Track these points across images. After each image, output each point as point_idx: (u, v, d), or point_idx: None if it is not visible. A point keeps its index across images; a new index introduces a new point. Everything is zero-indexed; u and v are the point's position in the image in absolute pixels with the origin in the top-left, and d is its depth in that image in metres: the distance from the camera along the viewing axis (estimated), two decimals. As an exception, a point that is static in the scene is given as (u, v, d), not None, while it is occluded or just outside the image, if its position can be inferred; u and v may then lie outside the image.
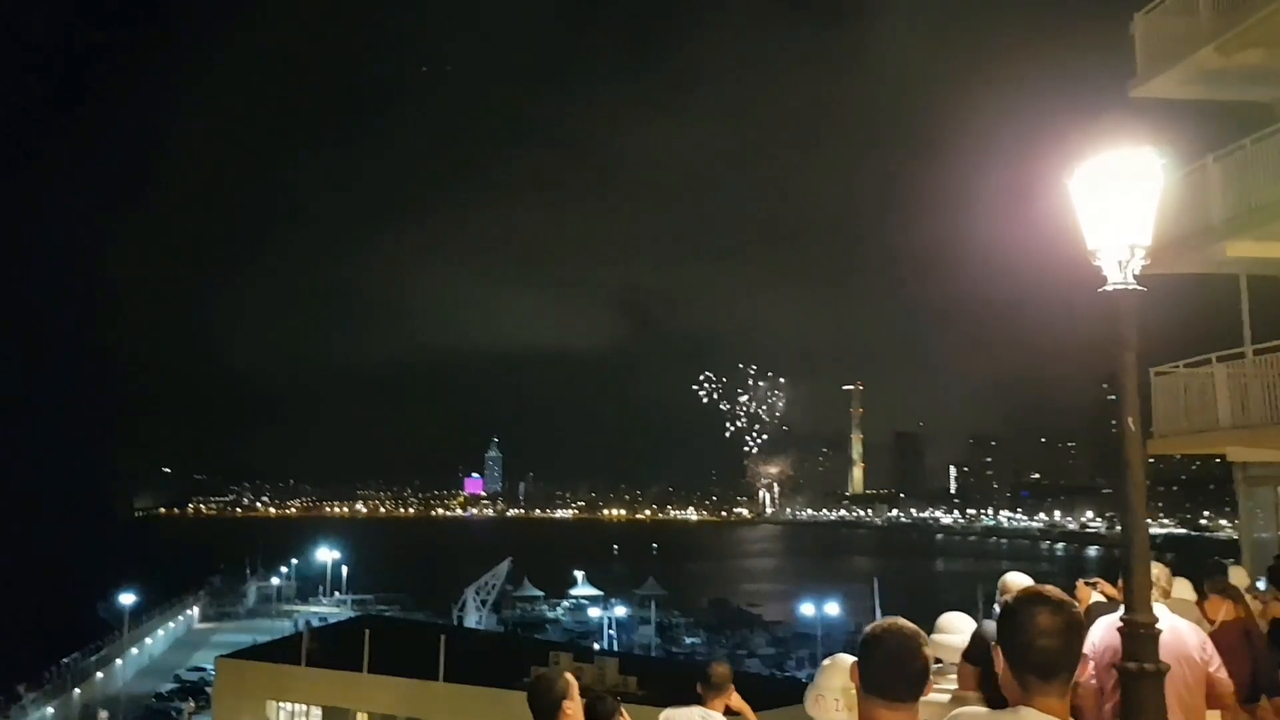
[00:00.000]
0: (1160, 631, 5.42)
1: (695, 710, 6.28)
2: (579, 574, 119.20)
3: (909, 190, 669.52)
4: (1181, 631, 5.97)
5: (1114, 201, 5.67)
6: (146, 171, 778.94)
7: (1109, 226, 5.70)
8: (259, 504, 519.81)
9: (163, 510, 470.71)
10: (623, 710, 5.86)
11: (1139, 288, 5.69)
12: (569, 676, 5.29)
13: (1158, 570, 6.68)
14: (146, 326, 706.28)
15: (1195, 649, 5.97)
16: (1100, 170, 5.73)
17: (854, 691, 4.06)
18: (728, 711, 6.36)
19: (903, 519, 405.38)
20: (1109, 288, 5.70)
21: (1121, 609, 5.66)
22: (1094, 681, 5.76)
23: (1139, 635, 5.36)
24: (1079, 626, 2.94)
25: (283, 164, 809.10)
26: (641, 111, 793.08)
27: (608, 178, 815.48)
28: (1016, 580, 6.28)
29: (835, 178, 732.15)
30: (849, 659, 4.40)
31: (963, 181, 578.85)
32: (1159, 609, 5.73)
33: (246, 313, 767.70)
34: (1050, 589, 3.05)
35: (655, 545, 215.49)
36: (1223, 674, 6.03)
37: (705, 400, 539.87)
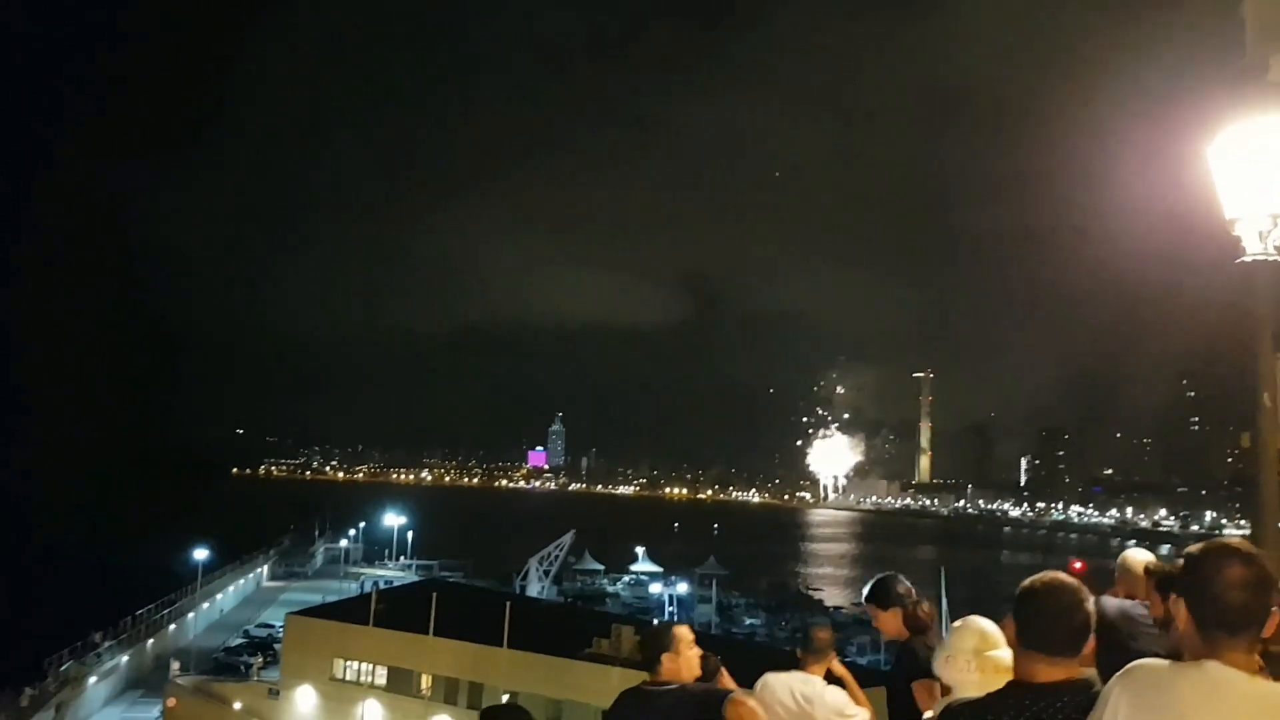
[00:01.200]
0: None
1: (795, 675, 6.19)
2: (640, 550, 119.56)
3: (988, 175, 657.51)
4: None
5: (1257, 168, 5.44)
6: (222, 140, 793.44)
7: (1250, 195, 5.48)
8: (328, 468, 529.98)
9: (235, 470, 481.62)
10: (724, 671, 5.81)
11: (1278, 258, 5.47)
12: (679, 632, 5.25)
13: None
14: (227, 297, 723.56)
15: None
16: (1243, 136, 5.51)
17: (986, 654, 3.99)
18: (829, 677, 6.26)
19: (969, 510, 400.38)
20: (1246, 259, 5.48)
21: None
22: None
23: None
24: (1270, 581, 2.82)
25: (363, 132, 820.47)
26: (715, 91, 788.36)
27: (679, 157, 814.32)
28: (1137, 556, 6.09)
29: (912, 160, 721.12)
30: (981, 621, 4.31)
31: (1043, 167, 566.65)
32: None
33: (325, 282, 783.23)
34: (1240, 541, 2.93)
35: (716, 525, 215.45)
36: None
37: (771, 382, 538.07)
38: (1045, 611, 3.01)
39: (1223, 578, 2.79)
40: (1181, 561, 2.97)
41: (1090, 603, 3.03)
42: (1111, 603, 5.70)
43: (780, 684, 6.18)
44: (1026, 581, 3.10)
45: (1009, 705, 3.03)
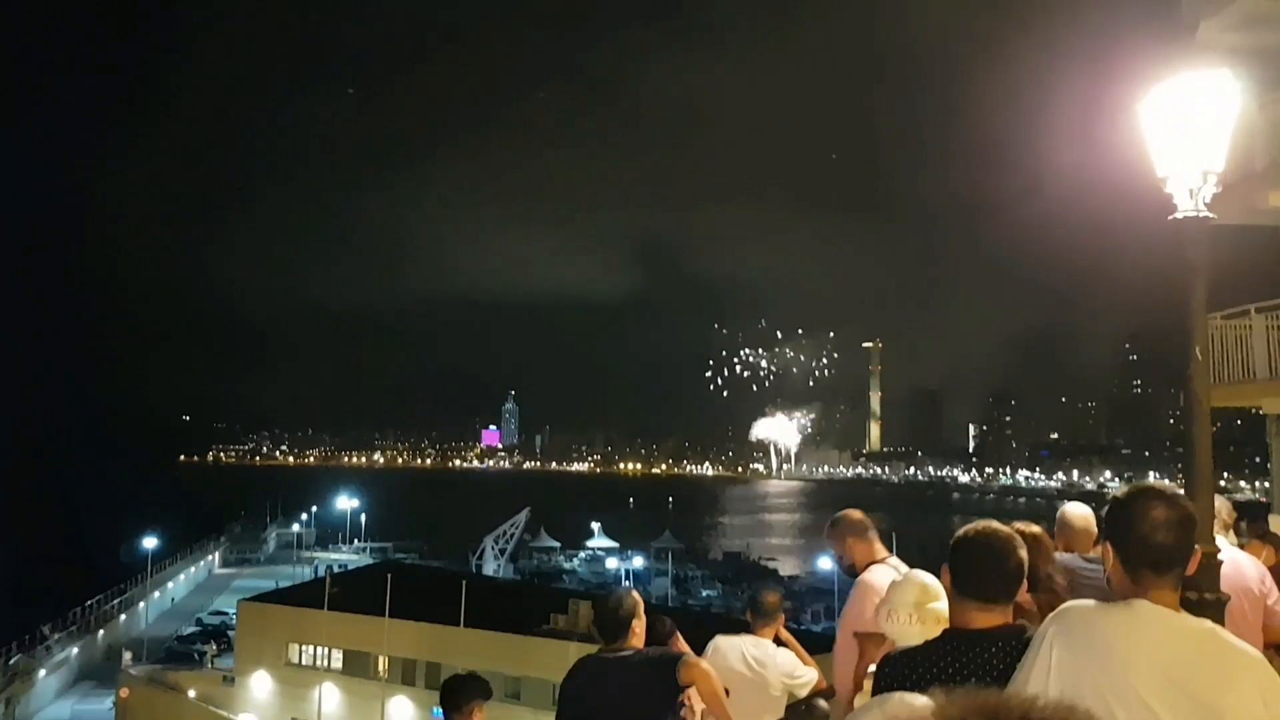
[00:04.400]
0: (1221, 562, 5.36)
1: (746, 638, 6.26)
2: (595, 525, 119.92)
3: (932, 140, 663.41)
4: (1241, 564, 5.92)
5: (1188, 125, 5.53)
6: (159, 112, 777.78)
7: (1180, 152, 5.57)
8: (278, 453, 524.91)
9: (183, 457, 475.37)
10: (678, 634, 5.85)
11: (1209, 215, 5.57)
12: (637, 595, 5.27)
13: (1220, 503, 6.59)
14: (167, 277, 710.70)
15: (1255, 581, 5.92)
16: (1172, 93, 5.59)
17: (928, 606, 4.05)
18: (777, 641, 6.33)
19: (920, 477, 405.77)
20: (1179, 215, 5.57)
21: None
22: None
23: (1201, 564, 5.29)
24: (1192, 520, 2.91)
25: (302, 107, 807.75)
26: (662, 53, 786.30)
27: (627, 121, 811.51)
28: (1076, 510, 6.21)
29: (860, 125, 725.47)
30: (922, 574, 4.38)
31: (988, 132, 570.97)
32: (1220, 541, 5.66)
33: (268, 262, 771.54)
34: (1161, 483, 3.01)
35: (671, 499, 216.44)
36: None
37: (722, 355, 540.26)
38: (978, 559, 3.06)
39: (1148, 519, 2.87)
40: (1107, 507, 3.04)
41: (1023, 550, 3.09)
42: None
43: (731, 647, 6.25)
44: (960, 530, 3.15)
45: (945, 653, 3.09)
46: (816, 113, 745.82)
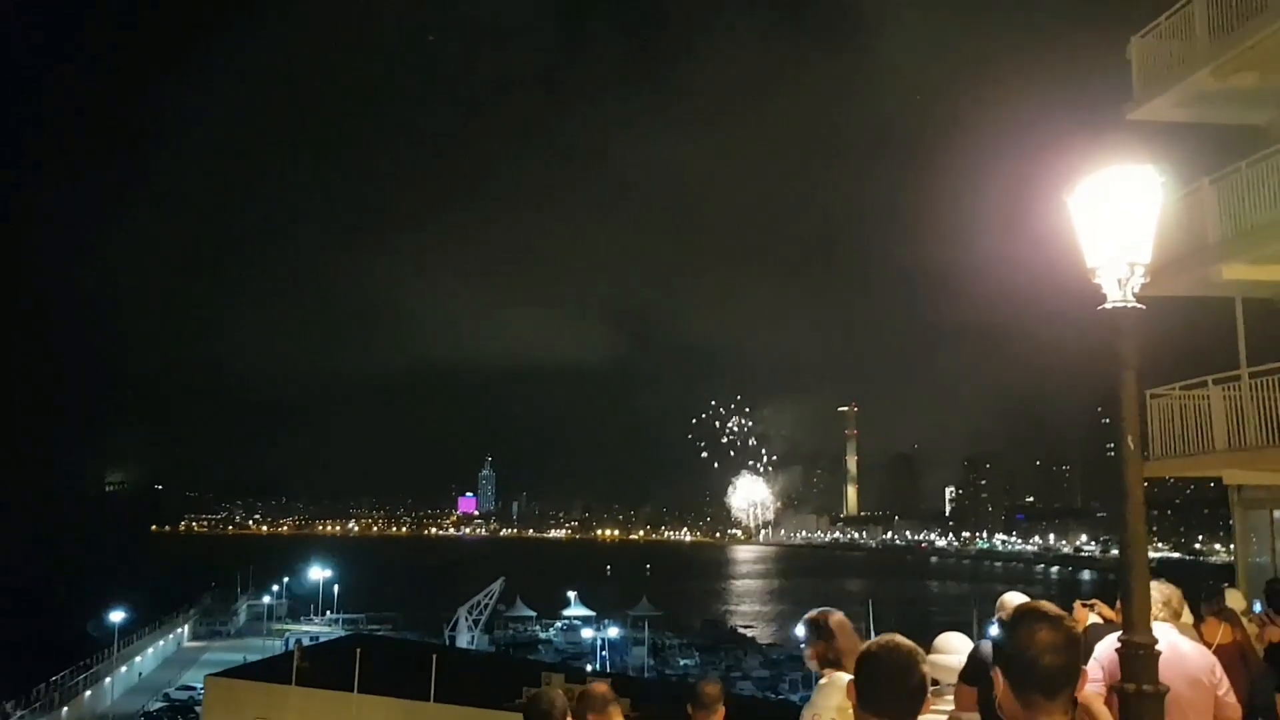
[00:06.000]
0: (1159, 653, 5.35)
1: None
2: (572, 594, 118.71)
3: (909, 211, 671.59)
4: (1185, 653, 5.85)
5: (1114, 219, 5.63)
6: (145, 177, 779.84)
7: (1108, 244, 5.67)
8: (251, 522, 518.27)
9: (154, 526, 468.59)
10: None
11: (1138, 305, 5.65)
12: (563, 695, 5.21)
13: (1170, 591, 6.57)
14: (139, 341, 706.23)
15: (1203, 671, 5.84)
16: (1100, 187, 5.70)
17: (850, 710, 4.02)
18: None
19: (897, 541, 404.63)
20: (1108, 306, 5.66)
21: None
22: (1099, 687, 5.66)
23: (1138, 656, 5.29)
24: (1078, 641, 2.88)
25: (280, 173, 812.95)
26: (643, 125, 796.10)
27: (607, 192, 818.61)
28: (1014, 599, 6.19)
29: (836, 196, 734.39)
30: (845, 677, 4.35)
31: (963, 203, 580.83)
32: (1165, 630, 5.64)
33: (240, 327, 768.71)
34: (1046, 604, 2.99)
35: (649, 566, 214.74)
36: (1231, 698, 5.90)
37: (700, 420, 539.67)
38: (880, 674, 3.03)
39: (1034, 642, 2.82)
40: (997, 629, 3.03)
41: (925, 665, 3.08)
42: (987, 646, 5.78)
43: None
44: (865, 644, 3.14)
45: None
46: (792, 185, 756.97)
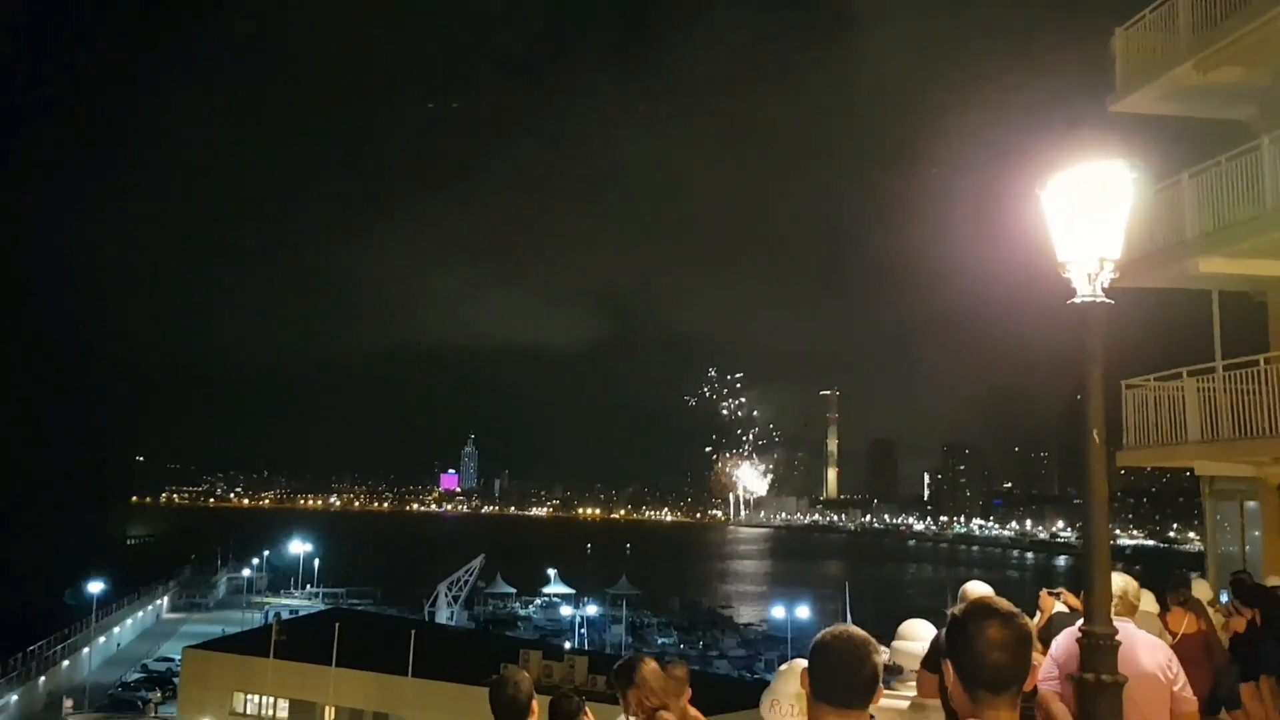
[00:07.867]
0: (1119, 644, 5.42)
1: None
2: (552, 572, 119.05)
3: (894, 201, 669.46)
4: (1140, 648, 5.85)
5: (1084, 214, 5.68)
6: (131, 158, 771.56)
7: (1079, 239, 5.72)
8: (232, 495, 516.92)
9: (134, 499, 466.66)
10: (587, 710, 5.80)
11: (1107, 300, 5.70)
12: (527, 675, 5.19)
13: (1125, 583, 6.61)
14: (124, 315, 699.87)
15: (1159, 667, 5.85)
16: (1071, 182, 5.74)
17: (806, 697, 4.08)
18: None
19: (875, 524, 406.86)
20: (1077, 300, 5.71)
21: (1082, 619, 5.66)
22: (1054, 685, 5.72)
23: (1097, 646, 5.37)
24: (1029, 639, 2.88)
25: (266, 156, 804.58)
26: (630, 113, 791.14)
27: (595, 178, 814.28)
28: (977, 589, 6.25)
29: (821, 186, 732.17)
30: (804, 664, 4.40)
31: (946, 193, 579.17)
32: (1122, 626, 5.68)
33: (226, 303, 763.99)
34: (999, 600, 3.01)
35: (629, 545, 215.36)
36: (1188, 693, 5.90)
37: (683, 402, 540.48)
38: (833, 663, 3.05)
39: (983, 638, 2.82)
40: (946, 625, 3.06)
41: (879, 655, 3.12)
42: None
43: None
44: (818, 634, 3.17)
45: None
46: (776, 176, 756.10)
